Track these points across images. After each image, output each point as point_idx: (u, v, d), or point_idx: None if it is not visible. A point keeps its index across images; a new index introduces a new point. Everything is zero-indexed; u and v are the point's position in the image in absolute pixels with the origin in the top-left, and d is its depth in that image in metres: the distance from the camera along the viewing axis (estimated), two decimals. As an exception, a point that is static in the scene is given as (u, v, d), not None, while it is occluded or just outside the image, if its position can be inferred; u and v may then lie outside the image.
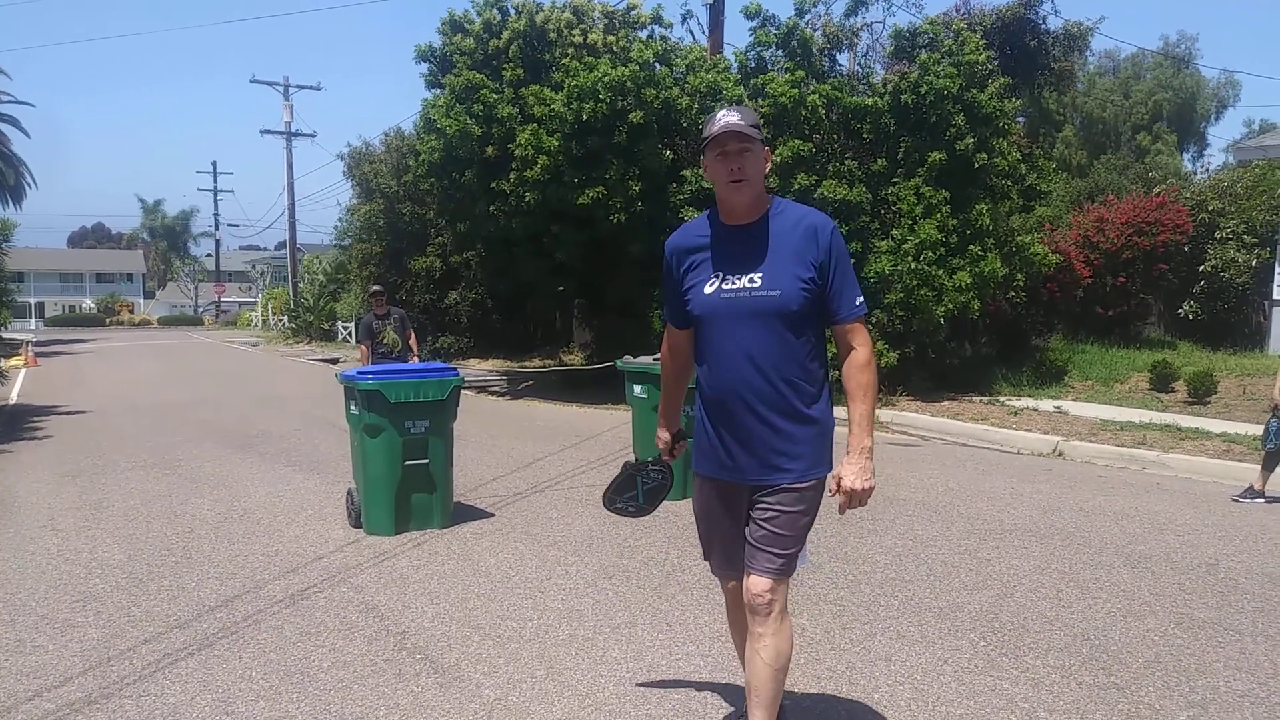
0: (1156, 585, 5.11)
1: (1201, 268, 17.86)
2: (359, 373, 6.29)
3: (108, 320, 67.15)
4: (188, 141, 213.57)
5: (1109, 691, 3.72)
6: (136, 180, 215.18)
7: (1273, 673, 3.92)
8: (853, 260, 13.14)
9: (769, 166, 2.96)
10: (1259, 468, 7.43)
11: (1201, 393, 11.79)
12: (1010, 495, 7.40)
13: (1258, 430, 9.50)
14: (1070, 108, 32.93)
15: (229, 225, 66.29)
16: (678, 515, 6.78)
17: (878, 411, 11.81)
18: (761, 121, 2.99)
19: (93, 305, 74.48)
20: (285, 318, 41.21)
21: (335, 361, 25.94)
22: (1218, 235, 17.98)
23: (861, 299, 2.86)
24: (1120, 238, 17.61)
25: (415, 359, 10.20)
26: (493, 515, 6.83)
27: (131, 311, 73.73)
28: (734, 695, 3.69)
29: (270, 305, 48.17)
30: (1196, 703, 3.62)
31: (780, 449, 2.85)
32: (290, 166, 40.32)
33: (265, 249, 77.60)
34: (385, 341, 10.41)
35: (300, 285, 39.89)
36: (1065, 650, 4.17)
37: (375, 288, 11.18)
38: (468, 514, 6.79)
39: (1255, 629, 4.44)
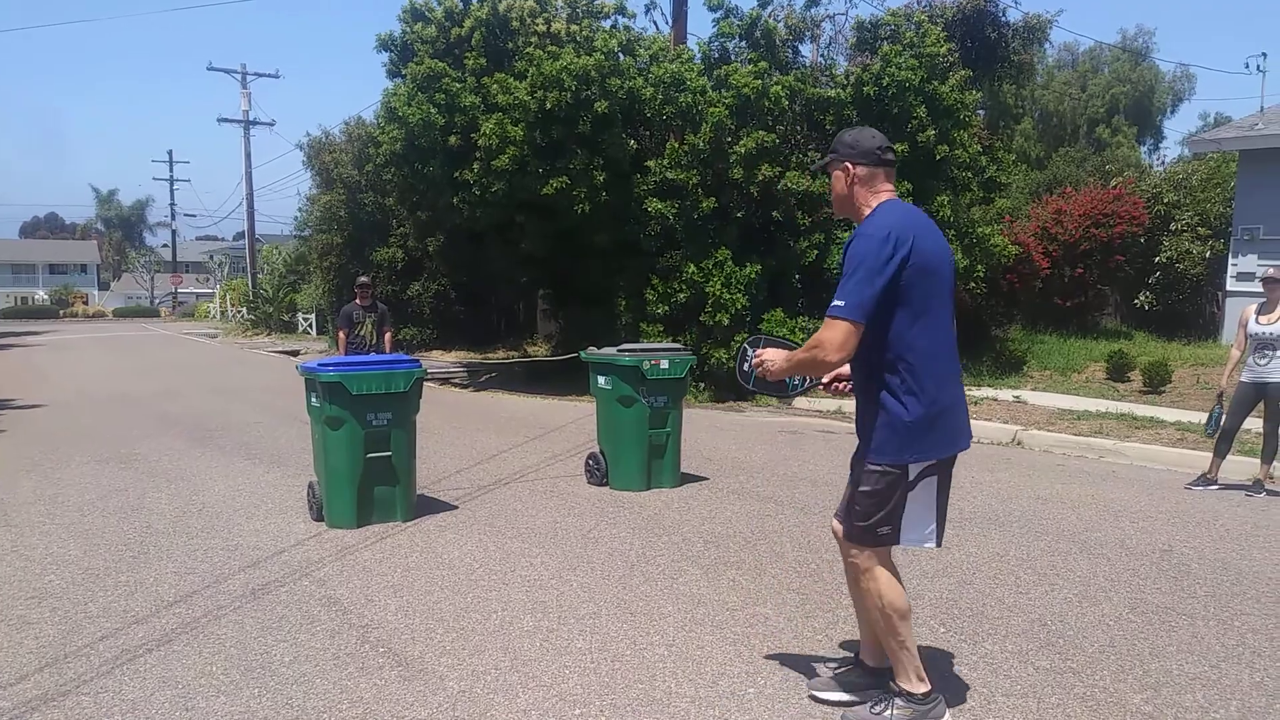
0: (1112, 571, 5.21)
1: (1157, 259, 18.18)
2: (320, 364, 6.22)
3: (61, 312, 65.77)
4: (143, 130, 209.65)
5: (1065, 675, 3.79)
6: (90, 169, 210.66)
7: (1224, 655, 4.01)
8: (814, 253, 13.17)
9: (842, 185, 3.32)
10: (1211, 455, 7.59)
11: (1156, 382, 12.01)
12: (970, 484, 7.50)
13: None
14: (1029, 100, 33.34)
15: (186, 215, 65.42)
16: (641, 506, 6.80)
17: (840, 403, 11.96)
18: (835, 144, 3.36)
19: (46, 297, 72.94)
20: (244, 309, 40.63)
21: (295, 353, 25.64)
22: (1173, 227, 18.31)
23: (840, 302, 3.09)
24: (1078, 229, 17.87)
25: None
26: (456, 508, 6.80)
27: (86, 303, 72.31)
28: (699, 684, 3.71)
29: (228, 296, 47.50)
30: (1150, 685, 3.70)
31: (860, 425, 3.33)
32: (248, 155, 39.65)
33: (223, 239, 76.66)
34: (361, 333, 10.39)
35: (259, 276, 39.38)
36: (1023, 636, 4.24)
37: (363, 279, 11.26)
38: (431, 507, 6.76)
39: (1207, 613, 4.54)
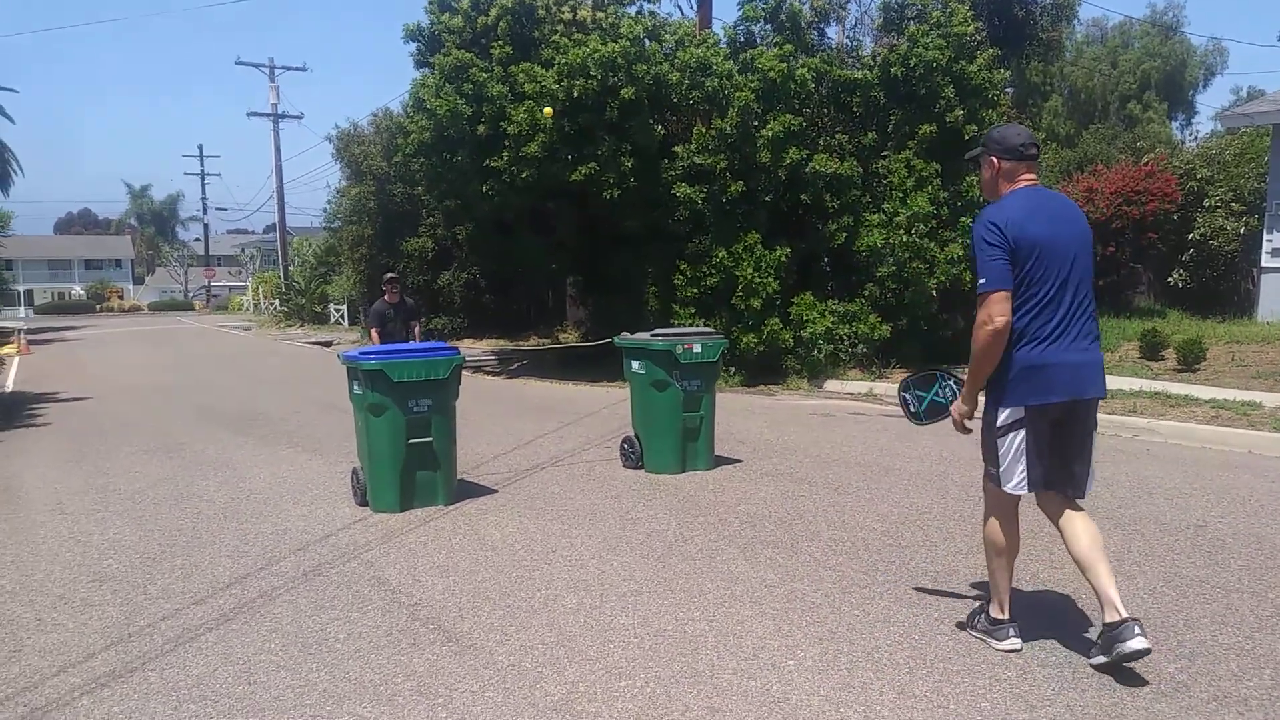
0: (1146, 547, 5.26)
1: (1190, 236, 17.99)
2: (361, 353, 6.38)
3: (97, 307, 66.88)
4: (174, 125, 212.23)
5: (1079, 640, 3.85)
6: (123, 165, 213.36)
7: (1257, 626, 4.06)
8: (843, 235, 13.24)
9: (988, 175, 3.81)
10: None
11: (1191, 360, 11.93)
12: (1003, 463, 7.52)
13: (1246, 397, 9.67)
14: (1058, 78, 32.96)
15: (217, 209, 66.25)
16: (676, 488, 6.91)
17: (872, 385, 11.99)
18: (985, 140, 3.84)
19: (82, 292, 74.10)
20: (276, 301, 41.12)
21: (329, 344, 25.99)
22: (1206, 203, 18.09)
23: (983, 280, 3.55)
24: (1109, 207, 17.72)
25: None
26: (496, 491, 6.94)
27: (121, 298, 73.42)
28: (740, 657, 3.82)
29: (261, 289, 48.06)
30: (1184, 655, 3.76)
31: None
32: (278, 149, 40.04)
33: (254, 232, 77.28)
34: (390, 329, 10.55)
35: (291, 268, 39.81)
36: (1058, 609, 4.31)
37: (389, 274, 11.30)
38: (471, 491, 6.90)
39: (1241, 586, 4.59)
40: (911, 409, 4.17)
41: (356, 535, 5.81)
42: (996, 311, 3.51)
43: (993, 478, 3.74)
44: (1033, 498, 3.78)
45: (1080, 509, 3.74)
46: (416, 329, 10.84)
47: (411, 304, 11.17)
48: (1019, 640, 3.81)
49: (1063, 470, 3.71)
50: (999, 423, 3.66)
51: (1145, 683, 3.52)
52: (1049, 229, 3.58)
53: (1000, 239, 3.52)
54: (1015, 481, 3.66)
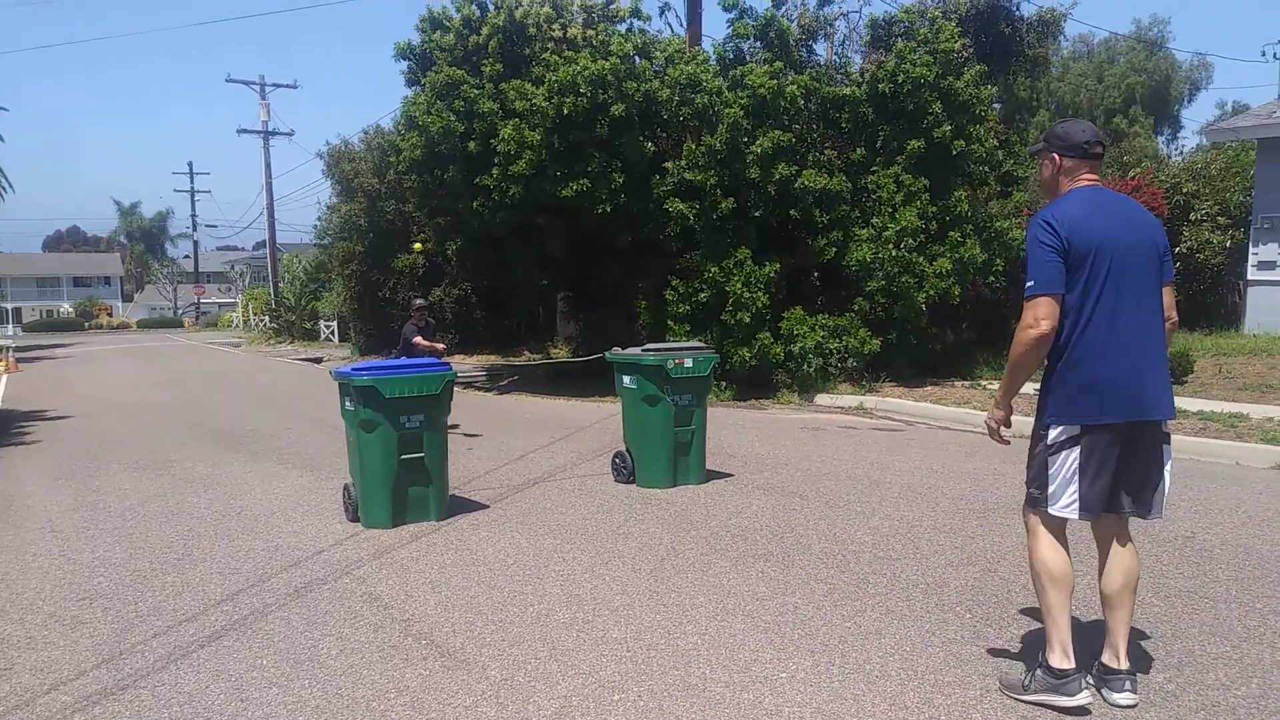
0: (1135, 557, 5.28)
1: (1177, 249, 18.10)
2: (354, 369, 6.39)
3: (86, 324, 66.59)
4: (164, 143, 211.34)
5: (1088, 658, 3.87)
6: (112, 183, 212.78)
7: (1245, 636, 4.10)
8: (833, 250, 13.29)
9: (1048, 173, 3.58)
10: None
11: (1178, 372, 12.00)
12: (993, 476, 7.58)
13: (1233, 409, 9.74)
14: (1044, 93, 33.24)
15: (207, 226, 66.18)
16: (668, 503, 6.93)
17: (862, 399, 12.03)
18: (1048, 135, 3.64)
19: (70, 310, 73.83)
20: (266, 318, 41.06)
21: (319, 360, 25.97)
22: (1193, 217, 18.25)
23: (1031, 282, 3.34)
24: (1096, 221, 17.83)
25: None
26: (488, 507, 6.95)
27: (110, 315, 73.18)
28: (732, 670, 3.83)
29: (251, 306, 47.95)
30: (1173, 665, 3.79)
31: None
32: (268, 166, 40.15)
33: (244, 249, 77.29)
34: (418, 355, 10.89)
35: (281, 285, 39.77)
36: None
37: (419, 301, 12.10)
38: (463, 506, 6.91)
39: (1229, 596, 4.62)
40: None
41: (348, 551, 5.81)
42: (1043, 314, 3.28)
43: (1038, 501, 3.46)
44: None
45: (1130, 544, 3.55)
46: (440, 349, 11.24)
47: (433, 324, 12.12)
48: (1090, 693, 3.41)
49: (1125, 494, 3.48)
50: (1050, 439, 3.40)
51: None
52: (1111, 232, 3.34)
53: (1055, 239, 3.30)
54: (1064, 503, 3.39)
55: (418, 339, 11.13)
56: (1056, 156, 3.52)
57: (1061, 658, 3.38)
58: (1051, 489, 3.40)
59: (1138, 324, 3.38)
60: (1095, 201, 3.41)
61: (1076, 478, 3.37)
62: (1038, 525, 3.49)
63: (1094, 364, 3.33)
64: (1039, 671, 3.43)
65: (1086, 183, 3.47)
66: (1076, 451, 3.36)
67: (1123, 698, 3.41)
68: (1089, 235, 3.30)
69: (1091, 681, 3.49)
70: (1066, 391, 3.36)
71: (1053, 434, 3.40)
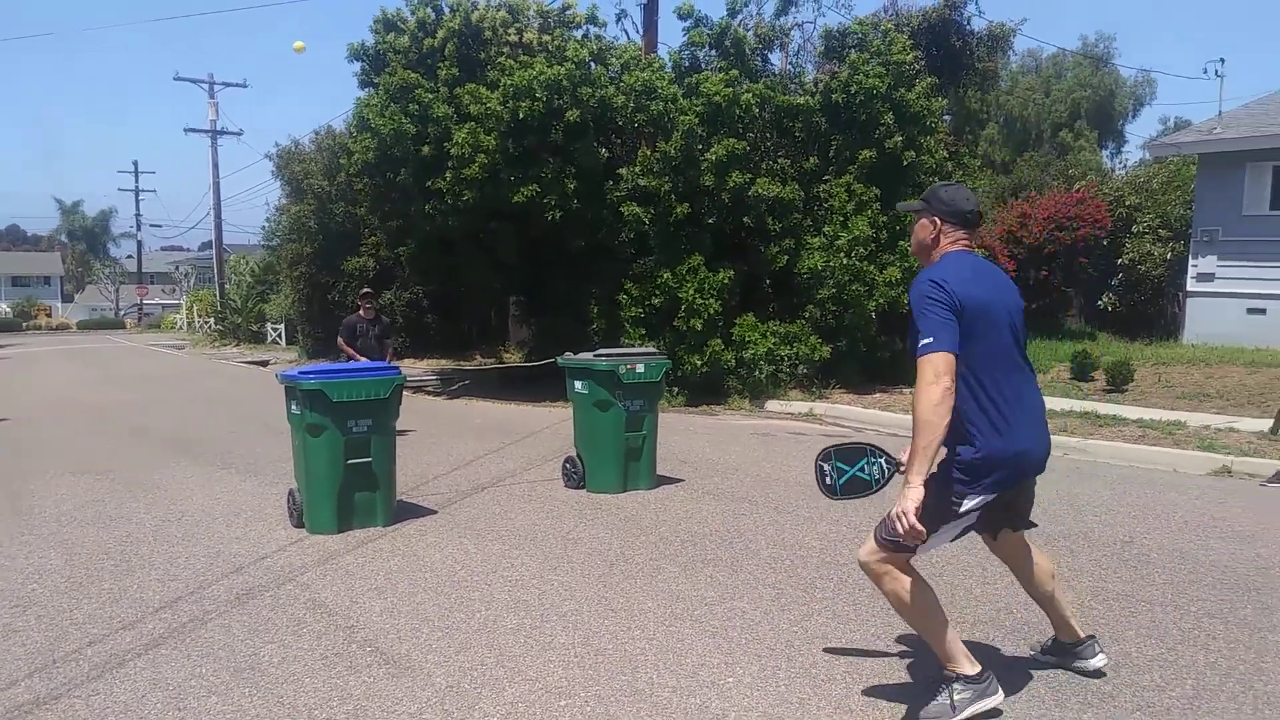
0: (1075, 562, 5.39)
1: (1120, 261, 18.57)
2: (300, 373, 6.29)
3: (24, 325, 64.71)
4: (109, 141, 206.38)
5: (1028, 661, 3.95)
6: (54, 181, 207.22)
7: (1180, 639, 4.19)
8: (785, 258, 13.42)
9: (926, 234, 3.52)
10: None
11: (1119, 381, 12.29)
12: (939, 481, 7.66)
13: (1171, 416, 9.98)
14: (994, 106, 33.87)
15: (151, 226, 64.82)
16: (618, 508, 6.92)
17: (812, 405, 12.12)
18: (930, 198, 3.57)
19: (8, 310, 71.71)
20: (212, 320, 40.30)
21: (265, 364, 25.54)
22: (1135, 229, 18.72)
23: (929, 339, 3.18)
24: (1043, 233, 18.23)
25: None
26: (436, 512, 6.88)
27: (49, 316, 71.19)
28: (679, 674, 3.83)
29: (195, 307, 47.03)
30: (1110, 667, 3.85)
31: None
32: (215, 165, 39.46)
33: (189, 250, 75.75)
34: (362, 346, 10.47)
35: (227, 286, 39.09)
36: (990, 623, 4.40)
37: (365, 289, 11.35)
38: (411, 511, 6.83)
39: (1165, 600, 4.73)
40: (828, 481, 3.70)
41: (292, 557, 5.72)
42: (943, 369, 3.13)
43: (904, 550, 3.32)
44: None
45: (1032, 544, 3.76)
46: (390, 348, 10.78)
47: (387, 322, 11.17)
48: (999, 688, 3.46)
49: (1006, 525, 3.62)
50: (964, 509, 3.31)
51: (1072, 693, 3.61)
52: (991, 294, 3.37)
53: (948, 298, 3.22)
54: (932, 547, 3.44)
55: (348, 347, 10.57)
56: (938, 220, 3.49)
57: (970, 664, 3.39)
58: (928, 544, 3.34)
59: (1030, 388, 3.45)
60: (973, 264, 3.45)
61: (955, 536, 3.45)
62: (890, 569, 3.39)
63: (1015, 433, 3.32)
64: (958, 685, 3.35)
65: (961, 246, 3.48)
66: (977, 516, 3.38)
67: (1097, 660, 3.73)
68: (976, 295, 3.30)
69: (1055, 660, 3.81)
70: (984, 463, 3.28)
71: (968, 504, 3.31)
